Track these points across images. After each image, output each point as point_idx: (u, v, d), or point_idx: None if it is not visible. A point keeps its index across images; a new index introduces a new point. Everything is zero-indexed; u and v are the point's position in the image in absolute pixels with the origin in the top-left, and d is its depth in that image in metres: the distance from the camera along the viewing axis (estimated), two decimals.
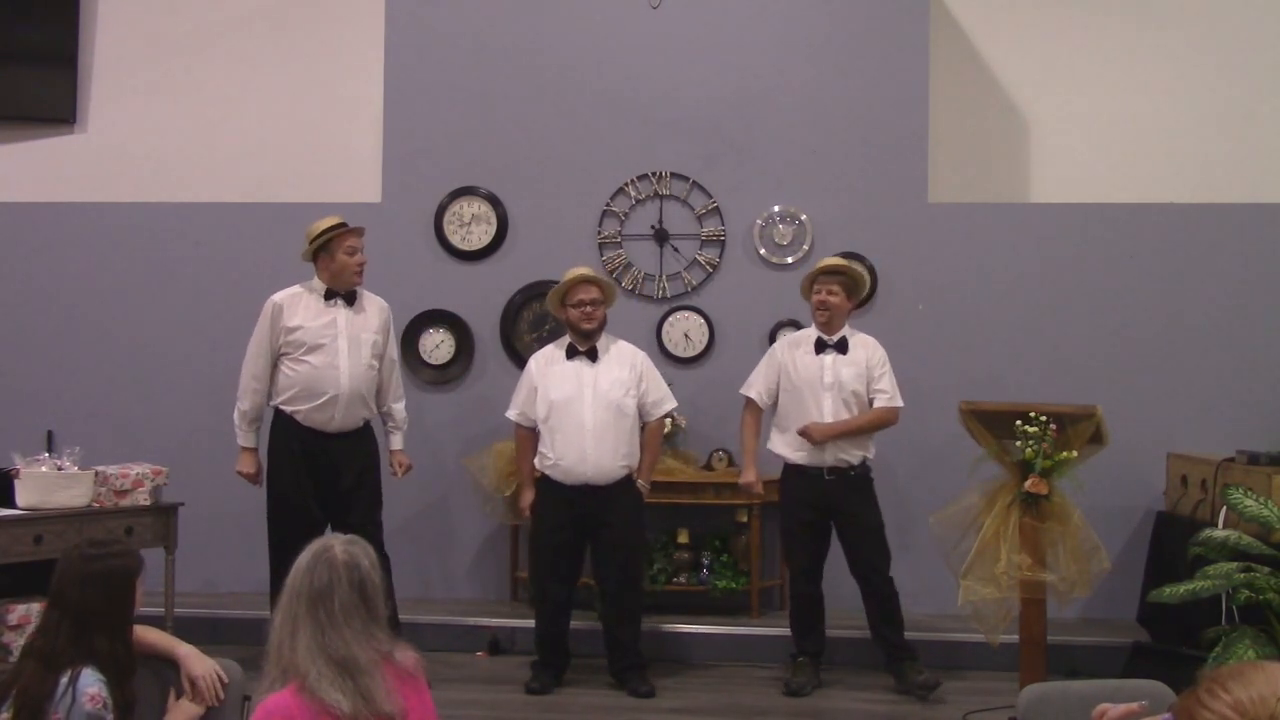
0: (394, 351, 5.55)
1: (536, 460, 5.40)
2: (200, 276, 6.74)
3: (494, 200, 6.63)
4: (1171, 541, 5.64)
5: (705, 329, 6.54)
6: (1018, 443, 4.78)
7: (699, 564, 6.26)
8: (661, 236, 6.56)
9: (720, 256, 6.56)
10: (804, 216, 6.51)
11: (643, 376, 5.42)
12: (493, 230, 6.63)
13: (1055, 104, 6.78)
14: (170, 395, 6.68)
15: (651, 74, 6.58)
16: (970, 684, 5.40)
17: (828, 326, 5.44)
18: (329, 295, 5.30)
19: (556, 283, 6.45)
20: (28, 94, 7.08)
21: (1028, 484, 4.75)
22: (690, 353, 6.52)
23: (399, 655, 2.68)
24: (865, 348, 5.46)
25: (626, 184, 6.58)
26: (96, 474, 5.13)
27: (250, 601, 5.97)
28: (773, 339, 6.27)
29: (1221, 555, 4.67)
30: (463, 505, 6.49)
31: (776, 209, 6.53)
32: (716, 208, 6.55)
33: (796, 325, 6.20)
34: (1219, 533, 4.81)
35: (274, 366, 5.27)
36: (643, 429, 5.43)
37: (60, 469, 5.04)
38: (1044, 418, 4.73)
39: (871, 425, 5.39)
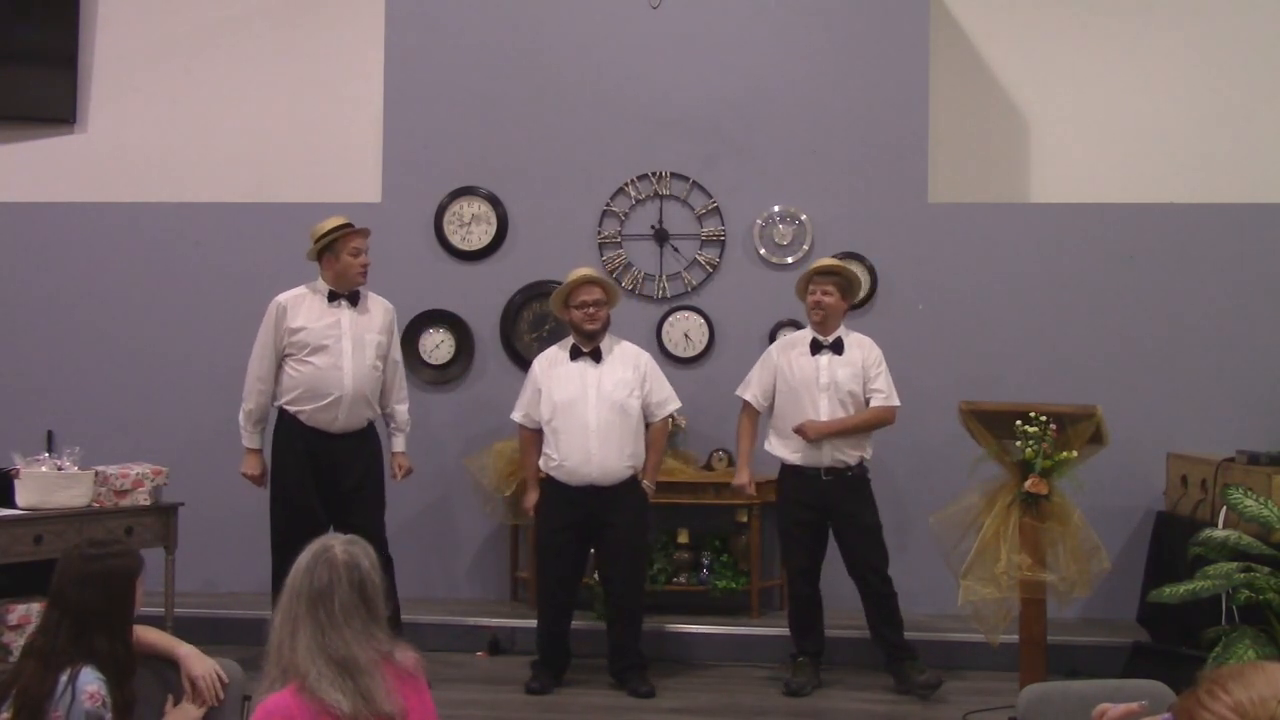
0: (398, 353, 5.54)
1: (541, 461, 5.40)
2: (200, 276, 6.74)
3: (494, 200, 6.63)
4: (1171, 541, 5.64)
5: (705, 329, 6.54)
6: (1018, 443, 4.78)
7: (699, 564, 6.26)
8: (661, 236, 6.56)
9: (720, 256, 6.56)
10: (804, 216, 6.51)
11: (647, 377, 5.42)
12: (493, 230, 6.63)
13: (1055, 104, 6.78)
14: (170, 395, 6.69)
15: (651, 74, 6.58)
16: (970, 684, 5.40)
17: (823, 327, 5.45)
18: (333, 296, 5.30)
19: (557, 283, 6.46)
20: (28, 94, 7.08)
21: (1028, 484, 4.75)
22: (690, 353, 6.52)
23: (399, 655, 2.68)
24: (861, 348, 5.46)
25: (626, 184, 6.58)
26: (96, 474, 5.14)
27: (250, 601, 5.97)
28: (773, 339, 6.27)
29: (1221, 555, 4.67)
30: (463, 505, 6.49)
31: (776, 209, 6.53)
32: (716, 208, 6.55)
33: (796, 325, 6.20)
34: (1219, 533, 4.81)
35: (278, 367, 5.27)
36: (647, 429, 5.43)
37: (60, 469, 5.04)
38: (1044, 418, 4.73)
39: (867, 424, 5.39)
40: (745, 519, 6.15)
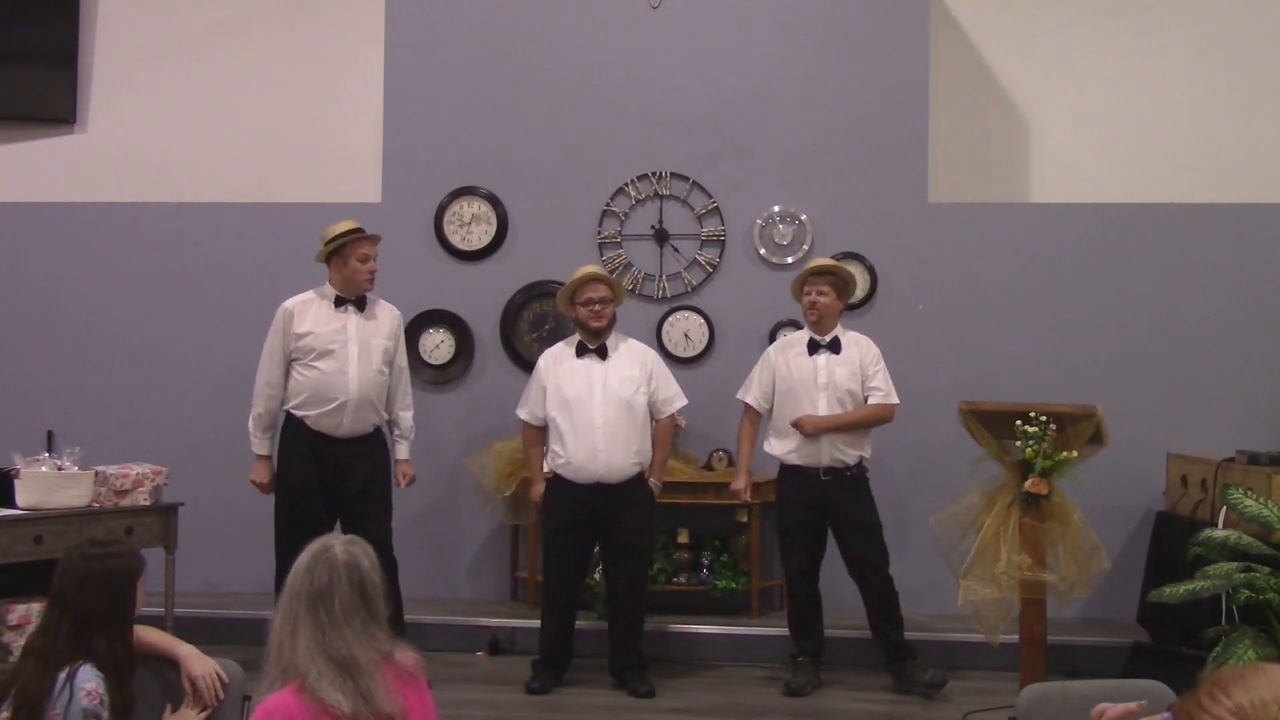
0: (404, 359, 5.53)
1: (549, 459, 5.40)
2: (200, 276, 6.74)
3: (494, 200, 6.63)
4: (1171, 541, 5.64)
5: (705, 329, 6.54)
6: (1018, 443, 4.78)
7: (699, 564, 6.26)
8: (661, 236, 6.56)
9: (720, 256, 6.56)
10: (804, 216, 6.51)
11: (653, 374, 5.42)
12: (493, 230, 6.63)
13: (1055, 104, 6.78)
14: (170, 395, 6.69)
15: (651, 74, 6.58)
16: (970, 684, 5.40)
17: (819, 327, 5.45)
18: (339, 301, 5.31)
19: (556, 283, 6.47)
20: (28, 94, 7.08)
21: (1028, 484, 4.75)
22: (690, 353, 6.52)
23: (399, 655, 2.68)
24: (858, 347, 5.47)
25: (626, 184, 6.58)
26: (96, 474, 5.13)
27: (250, 601, 5.97)
28: (773, 339, 6.27)
29: (1221, 555, 4.67)
30: (463, 505, 6.50)
31: (776, 209, 6.53)
32: (716, 208, 6.55)
33: (796, 325, 6.20)
34: (1219, 533, 4.81)
35: (286, 372, 5.28)
36: (654, 426, 5.43)
37: (60, 469, 5.04)
38: (1044, 418, 4.73)
39: (865, 421, 5.39)
40: (745, 519, 6.15)
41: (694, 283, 6.57)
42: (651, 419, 5.43)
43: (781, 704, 5.20)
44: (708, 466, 6.34)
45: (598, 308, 5.35)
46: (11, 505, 4.93)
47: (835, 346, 5.44)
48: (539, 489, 5.48)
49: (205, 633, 4.99)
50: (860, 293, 6.27)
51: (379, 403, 5.34)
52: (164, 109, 7.10)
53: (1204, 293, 6.36)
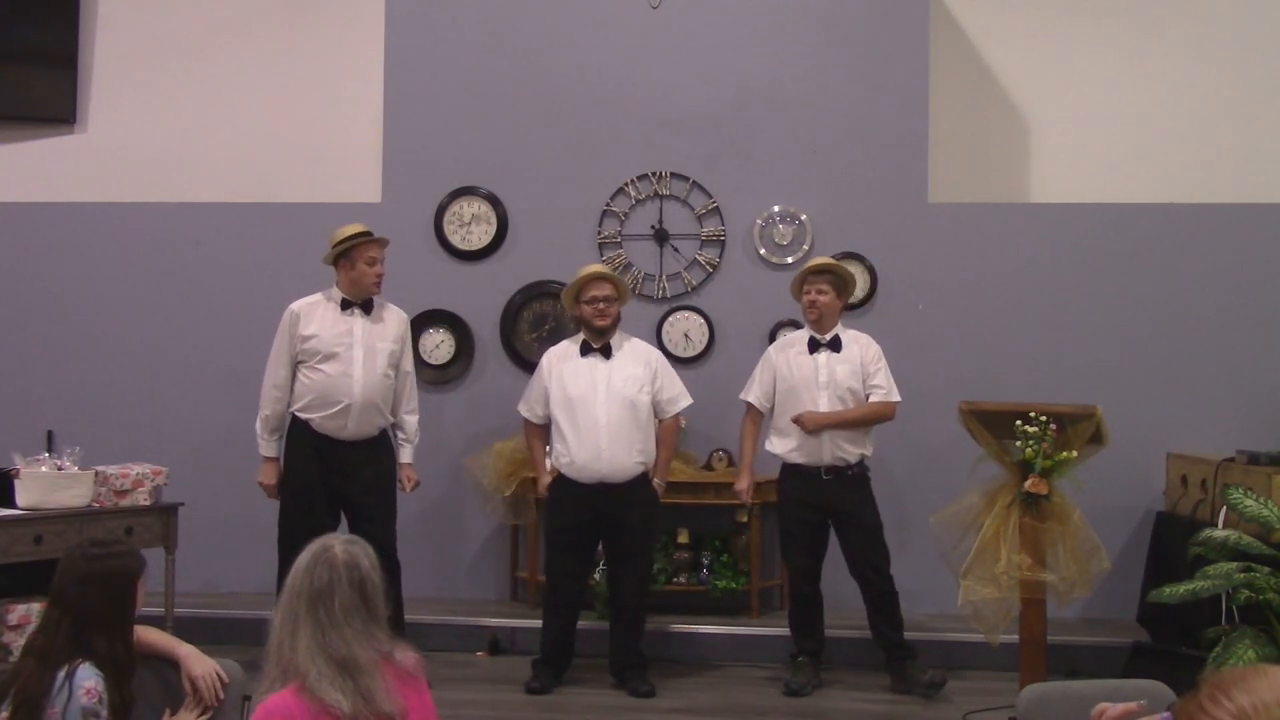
0: (410, 363, 5.53)
1: (552, 458, 5.40)
2: (200, 276, 6.74)
3: (494, 200, 6.63)
4: (1171, 541, 5.64)
5: (705, 329, 6.54)
6: (1018, 443, 4.78)
7: (699, 564, 6.26)
8: (661, 236, 6.56)
9: (720, 256, 6.56)
10: (804, 216, 6.51)
11: (657, 374, 5.42)
12: (493, 230, 6.63)
13: (1055, 104, 6.78)
14: (170, 395, 6.69)
15: (651, 74, 6.58)
16: (970, 684, 5.40)
17: (819, 325, 5.45)
18: (346, 304, 5.31)
19: (556, 282, 6.48)
20: (28, 94, 7.08)
21: (1028, 484, 4.75)
22: (690, 353, 6.52)
23: (399, 655, 2.68)
24: (859, 345, 5.47)
25: (626, 184, 6.58)
26: (96, 474, 5.13)
27: (250, 601, 5.98)
28: (773, 339, 6.27)
29: (1221, 555, 4.67)
30: (463, 505, 6.49)
31: (776, 209, 6.53)
32: (716, 208, 6.55)
33: (796, 325, 6.20)
34: (1219, 533, 4.81)
35: (293, 374, 5.28)
36: (658, 426, 5.43)
37: (60, 469, 5.04)
38: (1044, 418, 4.73)
39: (866, 418, 5.39)
40: (745, 519, 6.15)
41: (694, 283, 6.57)
42: (656, 419, 5.42)
43: (781, 704, 5.20)
44: (708, 466, 6.34)
45: (602, 306, 5.35)
46: (11, 505, 4.93)
47: (836, 345, 5.44)
48: (545, 481, 5.46)
49: (205, 633, 4.99)
50: (860, 293, 6.27)
51: (384, 406, 5.34)
52: (164, 109, 7.10)
53: (1204, 293, 6.36)
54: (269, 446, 5.35)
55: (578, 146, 6.60)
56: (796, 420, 5.32)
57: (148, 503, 5.25)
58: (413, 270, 6.52)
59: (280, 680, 2.56)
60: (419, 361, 6.54)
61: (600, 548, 5.54)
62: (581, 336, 5.46)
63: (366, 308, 5.34)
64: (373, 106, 6.80)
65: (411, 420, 5.49)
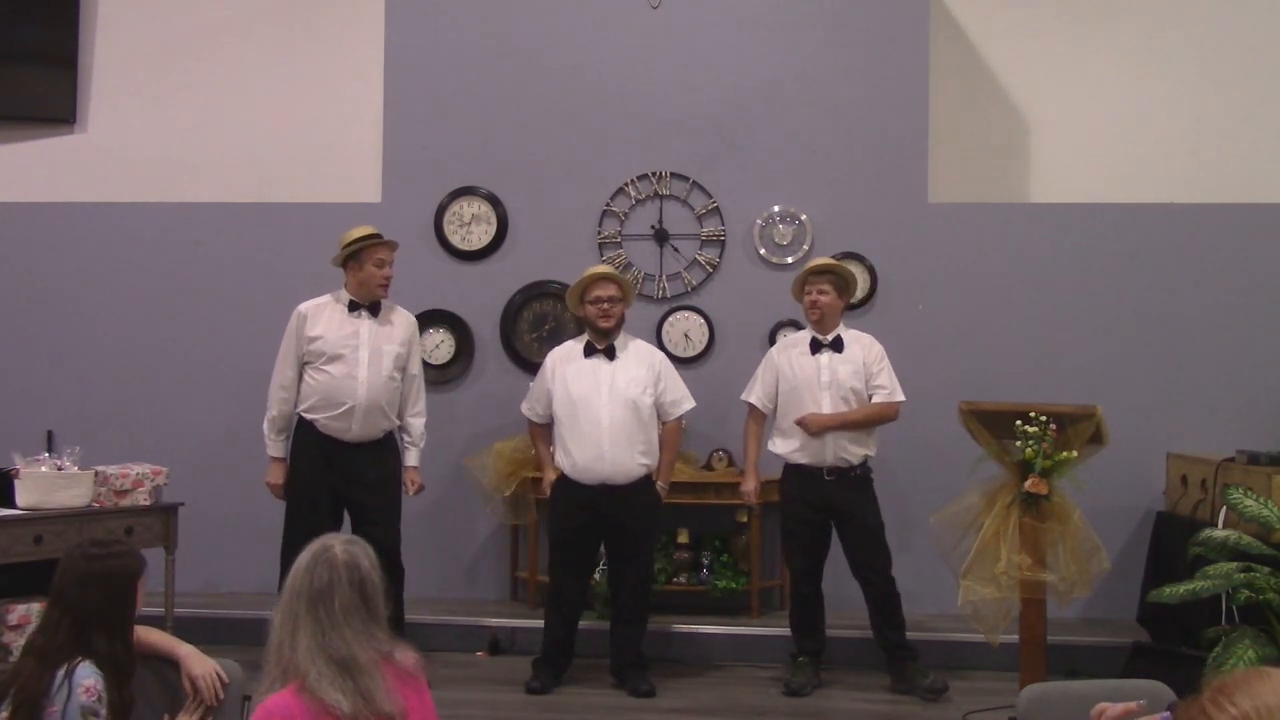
0: (417, 366, 5.52)
1: (556, 458, 5.39)
2: (200, 276, 6.74)
3: (494, 200, 6.63)
4: (1171, 541, 5.64)
5: (705, 329, 6.54)
6: (1018, 443, 4.78)
7: (699, 564, 6.26)
8: (661, 236, 6.56)
9: (720, 256, 6.56)
10: (804, 216, 6.51)
11: (661, 376, 5.41)
12: (493, 230, 6.63)
13: (1055, 104, 6.78)
14: (170, 395, 6.68)
15: (651, 74, 6.58)
16: (970, 684, 5.40)
17: (821, 326, 5.45)
18: (354, 306, 5.31)
19: (556, 282, 6.49)
20: (28, 94, 7.08)
21: (1028, 484, 4.75)
22: (690, 353, 6.52)
23: (399, 655, 2.68)
24: (861, 345, 5.46)
25: (626, 184, 6.58)
26: (96, 474, 5.13)
27: (250, 601, 5.98)
28: (773, 339, 6.27)
29: (1221, 555, 4.67)
30: (463, 505, 6.49)
31: (776, 209, 6.53)
32: (716, 208, 6.55)
33: (796, 325, 6.20)
34: (1219, 533, 4.81)
35: (300, 375, 5.29)
36: (661, 429, 5.43)
37: (60, 469, 5.04)
38: (1044, 418, 4.73)
39: (869, 419, 5.38)
40: (745, 519, 6.15)
41: (694, 283, 6.57)
42: (659, 421, 5.42)
43: (781, 704, 5.20)
44: (708, 466, 6.34)
45: (606, 306, 5.34)
46: (11, 505, 4.93)
47: (838, 345, 5.43)
48: (550, 477, 5.45)
49: (205, 633, 4.99)
50: (860, 293, 6.27)
51: (389, 409, 5.33)
52: (164, 109, 7.10)
53: (1204, 293, 6.36)
54: (276, 447, 5.35)
55: (578, 146, 6.60)
56: (800, 423, 5.32)
57: (148, 503, 5.25)
58: (413, 270, 6.51)
59: (280, 680, 2.56)
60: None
61: (602, 548, 5.54)
62: (585, 337, 5.46)
63: (374, 310, 5.34)
64: (373, 106, 6.80)
65: (417, 423, 5.48)
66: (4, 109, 7.07)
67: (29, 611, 4.78)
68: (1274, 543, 4.61)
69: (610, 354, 5.38)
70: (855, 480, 5.36)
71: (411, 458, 5.48)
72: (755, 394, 5.53)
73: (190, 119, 7.08)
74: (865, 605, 5.43)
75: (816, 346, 5.43)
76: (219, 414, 6.54)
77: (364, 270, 5.27)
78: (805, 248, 6.47)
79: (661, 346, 6.44)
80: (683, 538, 6.29)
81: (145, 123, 7.09)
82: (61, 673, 2.86)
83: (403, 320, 5.44)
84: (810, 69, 6.53)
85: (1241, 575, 4.47)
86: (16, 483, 4.94)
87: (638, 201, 6.59)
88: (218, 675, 3.06)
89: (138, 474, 5.24)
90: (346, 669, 2.54)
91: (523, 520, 6.32)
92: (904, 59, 6.45)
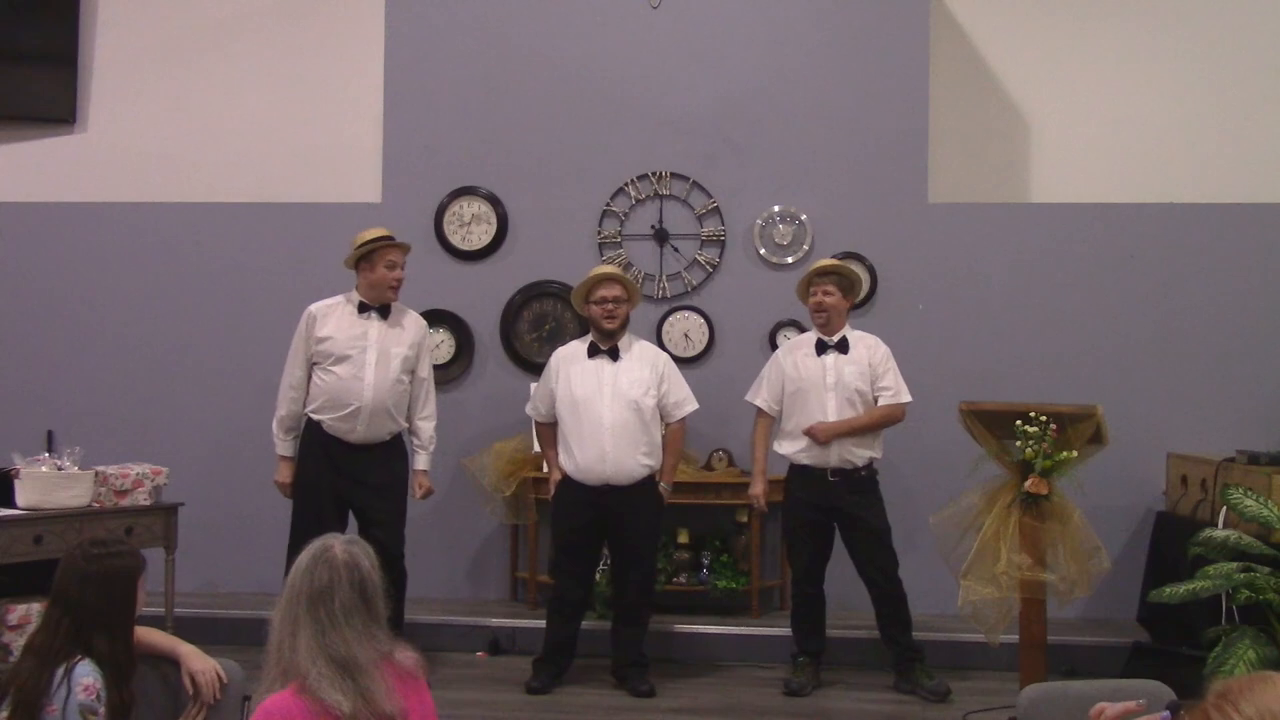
0: (426, 369, 5.50)
1: (560, 459, 5.39)
2: (200, 276, 6.73)
3: (494, 200, 6.63)
4: (1171, 541, 5.64)
5: (705, 329, 6.54)
6: (1018, 443, 4.78)
7: (699, 564, 6.26)
8: (661, 236, 6.56)
9: (720, 256, 6.56)
10: (804, 216, 6.51)
11: (664, 377, 5.40)
12: (493, 230, 6.63)
13: (1055, 104, 6.78)
14: (170, 395, 6.68)
15: (651, 74, 6.58)
16: (970, 684, 5.40)
17: (826, 327, 5.44)
18: (364, 308, 5.31)
19: (556, 282, 6.49)
20: (28, 94, 7.08)
21: (1028, 484, 4.75)
22: (690, 353, 6.51)
23: (399, 655, 2.68)
24: (867, 346, 5.45)
25: (626, 184, 6.58)
26: (96, 474, 5.13)
27: (250, 601, 5.98)
28: (773, 339, 6.28)
29: (1221, 555, 4.67)
30: (463, 505, 6.49)
31: (776, 209, 6.53)
32: (716, 208, 6.55)
33: (796, 325, 6.20)
34: (1219, 533, 4.81)
35: (309, 375, 5.29)
36: (665, 430, 5.42)
37: (60, 469, 5.04)
38: (1044, 418, 4.73)
39: (877, 423, 5.37)
40: (745, 519, 6.15)
41: (694, 283, 6.57)
42: (663, 422, 5.41)
43: (781, 704, 5.20)
44: (708, 466, 6.34)
45: (611, 307, 5.34)
46: (11, 505, 4.93)
47: (843, 346, 5.42)
48: (556, 476, 5.44)
49: (205, 633, 4.99)
50: (860, 293, 6.26)
51: (396, 411, 5.32)
52: (164, 109, 7.10)
53: (1204, 293, 6.35)
54: (284, 446, 5.35)
55: (578, 146, 6.60)
56: (809, 434, 5.30)
57: (148, 503, 5.25)
58: (413, 270, 6.47)
59: (280, 680, 2.56)
60: None
61: (605, 549, 5.54)
62: (589, 337, 5.45)
63: (384, 312, 5.34)
64: (373, 106, 6.80)
65: (426, 426, 5.47)
66: (4, 109, 7.07)
67: (29, 611, 4.78)
68: (1274, 543, 4.61)
69: (614, 355, 5.38)
70: (860, 482, 5.35)
71: (421, 461, 5.47)
72: (762, 396, 5.51)
73: (190, 119, 7.08)
74: (869, 605, 5.42)
75: (822, 348, 5.42)
76: (219, 414, 6.55)
77: (375, 272, 5.28)
78: (805, 248, 6.47)
79: (661, 346, 6.43)
80: (683, 538, 6.29)
81: (145, 123, 7.09)
82: (60, 671, 2.87)
83: (413, 323, 5.44)
84: (810, 69, 6.53)
85: (1241, 575, 4.47)
86: (16, 483, 4.94)
87: (638, 201, 6.59)
88: (217, 674, 3.06)
89: (138, 474, 5.24)
90: (346, 669, 2.54)
91: (523, 520, 6.32)
92: (904, 59, 6.45)
